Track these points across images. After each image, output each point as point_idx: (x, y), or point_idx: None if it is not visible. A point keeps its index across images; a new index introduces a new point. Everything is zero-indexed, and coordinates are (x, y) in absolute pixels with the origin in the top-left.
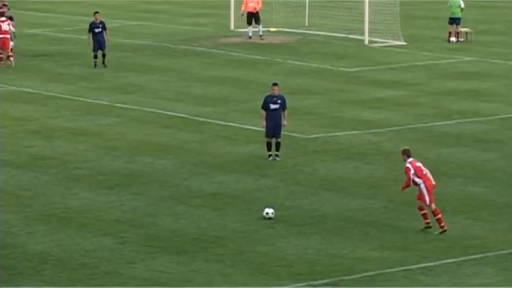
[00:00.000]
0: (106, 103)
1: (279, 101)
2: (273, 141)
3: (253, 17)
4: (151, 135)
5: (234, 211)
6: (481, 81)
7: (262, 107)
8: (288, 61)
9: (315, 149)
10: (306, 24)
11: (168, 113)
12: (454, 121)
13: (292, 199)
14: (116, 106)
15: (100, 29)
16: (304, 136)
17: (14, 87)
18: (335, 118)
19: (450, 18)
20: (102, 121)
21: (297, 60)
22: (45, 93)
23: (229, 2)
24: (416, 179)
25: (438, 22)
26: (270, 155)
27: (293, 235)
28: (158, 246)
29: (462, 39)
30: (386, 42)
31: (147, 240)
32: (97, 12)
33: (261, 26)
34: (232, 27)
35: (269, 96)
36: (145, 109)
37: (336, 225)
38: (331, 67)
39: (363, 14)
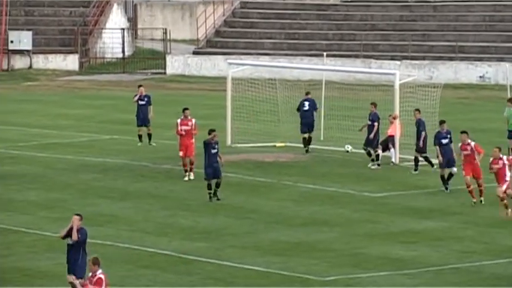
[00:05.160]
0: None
1: (216, 146)
2: (213, 182)
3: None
4: (128, 277)
5: None
6: None
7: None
8: (299, 184)
9: None
10: (322, 138)
11: (148, 249)
12: (507, 260)
13: None
14: None
15: (144, 102)
16: (320, 278)
17: None
18: (358, 256)
19: (509, 132)
20: (65, 260)
21: (310, 183)
22: None
23: (225, 111)
24: None
25: (487, 135)
26: (210, 196)
27: None
28: None
29: None
30: (421, 161)
31: None
32: (141, 86)
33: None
34: (228, 143)
35: (209, 143)
36: (119, 245)
37: None
38: (353, 192)
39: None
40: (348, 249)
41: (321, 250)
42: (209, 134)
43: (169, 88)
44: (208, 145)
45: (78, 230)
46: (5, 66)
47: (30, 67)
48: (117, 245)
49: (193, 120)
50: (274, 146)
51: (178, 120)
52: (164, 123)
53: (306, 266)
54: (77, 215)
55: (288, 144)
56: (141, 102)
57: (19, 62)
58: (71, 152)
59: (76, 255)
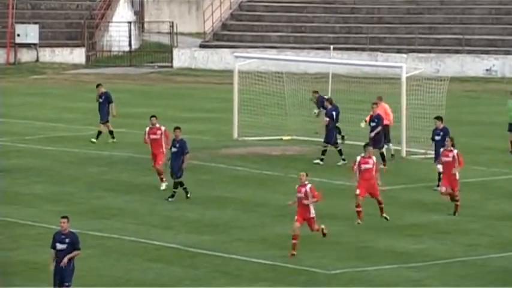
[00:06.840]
0: (76, 230)
1: (177, 145)
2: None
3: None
4: (134, 270)
5: None
6: None
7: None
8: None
9: None
10: None
11: (155, 242)
12: None
13: None
14: (88, 234)
15: (102, 100)
16: (327, 272)
17: None
18: (364, 249)
19: (510, 125)
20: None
21: (316, 177)
22: (0, 218)
23: (232, 104)
24: None
25: (493, 129)
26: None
27: None
28: None
29: None
30: (428, 154)
31: None
32: (98, 85)
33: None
34: (235, 136)
35: (172, 140)
36: (126, 238)
37: None
38: None
39: (399, 118)
40: (354, 242)
41: (327, 243)
42: None
43: (176, 81)
44: (172, 142)
45: (67, 234)
46: (11, 60)
47: (37, 60)
48: (124, 238)
49: (163, 129)
50: (281, 139)
51: (147, 129)
52: (171, 116)
53: (313, 259)
54: (64, 217)
55: (295, 137)
56: (100, 100)
57: (26, 56)
58: (78, 145)
59: (69, 261)
